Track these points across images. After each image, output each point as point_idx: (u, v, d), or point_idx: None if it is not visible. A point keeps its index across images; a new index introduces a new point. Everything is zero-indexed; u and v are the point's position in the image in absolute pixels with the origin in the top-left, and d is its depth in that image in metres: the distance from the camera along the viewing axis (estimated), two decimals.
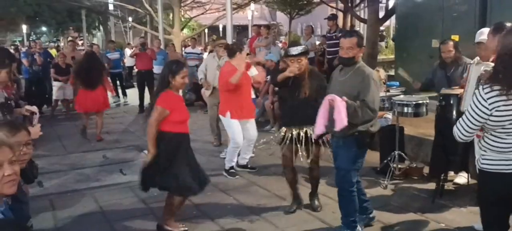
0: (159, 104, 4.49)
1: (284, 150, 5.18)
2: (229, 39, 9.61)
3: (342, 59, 4.43)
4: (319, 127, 4.27)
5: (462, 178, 5.88)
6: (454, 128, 3.09)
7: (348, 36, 4.39)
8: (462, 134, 3.04)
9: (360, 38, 4.42)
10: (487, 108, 2.86)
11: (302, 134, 5.03)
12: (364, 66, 4.40)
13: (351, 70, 4.36)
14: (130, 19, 30.29)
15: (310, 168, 5.28)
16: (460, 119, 3.06)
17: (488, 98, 2.85)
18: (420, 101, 5.99)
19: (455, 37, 8.41)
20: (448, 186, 5.76)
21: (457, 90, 5.29)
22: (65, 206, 5.67)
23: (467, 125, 2.98)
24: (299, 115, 4.98)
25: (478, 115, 2.91)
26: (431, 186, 5.80)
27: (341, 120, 4.07)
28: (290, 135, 5.07)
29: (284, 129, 5.16)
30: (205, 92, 8.44)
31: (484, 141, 3.00)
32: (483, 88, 2.89)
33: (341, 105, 4.08)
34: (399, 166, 6.23)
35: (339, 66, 4.59)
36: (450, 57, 5.95)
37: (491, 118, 2.87)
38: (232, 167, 6.74)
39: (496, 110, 2.84)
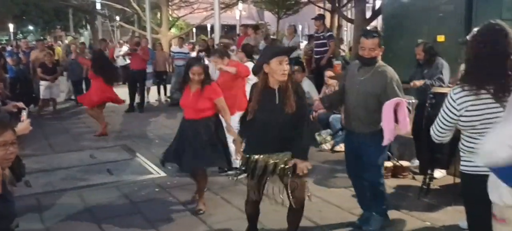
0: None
1: (253, 184, 4.18)
2: (217, 39, 9.61)
3: (364, 60, 4.39)
4: (390, 132, 4.25)
5: (438, 172, 5.96)
6: (431, 129, 3.14)
7: (370, 37, 4.33)
8: (436, 135, 3.11)
9: (381, 37, 4.40)
10: (456, 109, 2.90)
11: (280, 165, 3.98)
12: (385, 66, 4.42)
13: (371, 69, 4.38)
14: (117, 18, 30.18)
15: (295, 209, 4.16)
16: (436, 119, 3.11)
17: (457, 99, 2.89)
18: (407, 101, 6.04)
19: (441, 38, 8.51)
20: (434, 184, 5.82)
21: (447, 90, 5.35)
22: (52, 206, 5.65)
23: (439, 126, 3.04)
24: (277, 138, 3.93)
25: (448, 115, 2.95)
26: (417, 184, 5.86)
27: (407, 124, 4.27)
28: (263, 165, 4.01)
29: (255, 156, 4.04)
30: None
31: (461, 143, 3.04)
32: (454, 89, 2.95)
33: (405, 108, 4.25)
34: (385, 164, 6.27)
35: (357, 64, 4.54)
36: (420, 59, 6.49)
37: (462, 118, 2.91)
38: None
39: (466, 111, 2.87)
